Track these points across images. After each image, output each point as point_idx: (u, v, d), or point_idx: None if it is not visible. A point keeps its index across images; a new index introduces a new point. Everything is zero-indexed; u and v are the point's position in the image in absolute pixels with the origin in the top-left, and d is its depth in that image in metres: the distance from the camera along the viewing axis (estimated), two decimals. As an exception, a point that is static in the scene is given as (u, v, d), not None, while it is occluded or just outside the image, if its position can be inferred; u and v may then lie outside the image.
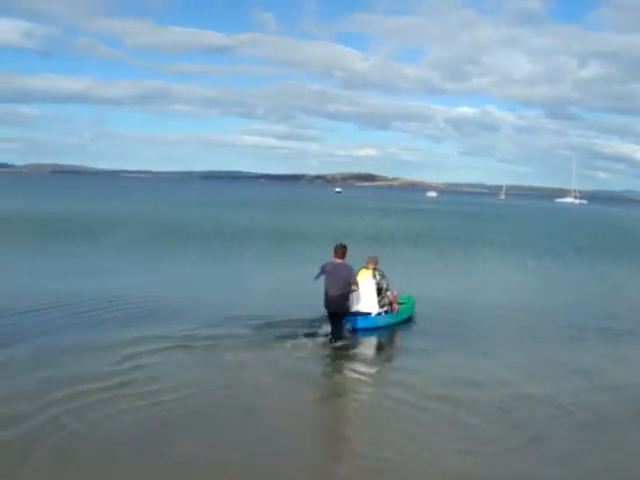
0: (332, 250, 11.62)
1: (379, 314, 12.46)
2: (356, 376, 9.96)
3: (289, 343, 10.90)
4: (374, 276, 12.49)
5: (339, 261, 11.44)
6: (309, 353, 10.57)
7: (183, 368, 9.54)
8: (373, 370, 10.43)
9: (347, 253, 11.57)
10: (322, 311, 11.57)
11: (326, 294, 11.29)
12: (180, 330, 11.45)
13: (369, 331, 12.14)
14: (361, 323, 12.14)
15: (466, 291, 17.81)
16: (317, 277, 11.52)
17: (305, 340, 11.16)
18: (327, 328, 11.47)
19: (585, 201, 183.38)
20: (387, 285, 12.58)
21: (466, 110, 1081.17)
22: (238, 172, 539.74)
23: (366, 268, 12.59)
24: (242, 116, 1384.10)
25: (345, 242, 11.92)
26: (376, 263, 12.75)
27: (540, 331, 13.12)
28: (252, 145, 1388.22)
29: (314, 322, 12.05)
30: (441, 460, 6.89)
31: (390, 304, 12.61)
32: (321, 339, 11.25)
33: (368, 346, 11.72)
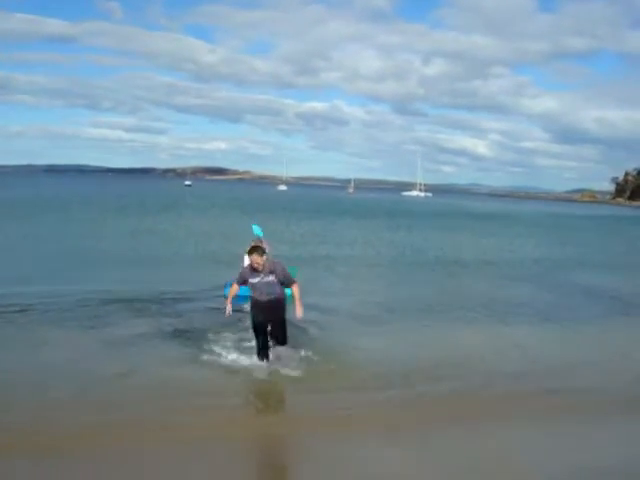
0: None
1: None
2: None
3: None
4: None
5: None
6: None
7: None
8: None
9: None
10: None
11: None
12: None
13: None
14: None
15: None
16: None
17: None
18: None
19: (430, 194, 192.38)
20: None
21: (316, 105, 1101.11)
22: (85, 165, 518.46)
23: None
24: (89, 108, 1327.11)
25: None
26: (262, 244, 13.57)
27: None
28: (99, 138, 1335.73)
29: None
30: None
31: None
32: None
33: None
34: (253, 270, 9.23)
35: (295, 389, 8.70)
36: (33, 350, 9.80)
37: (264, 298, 9.29)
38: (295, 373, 9.14)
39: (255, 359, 9.45)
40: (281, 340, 9.58)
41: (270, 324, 9.44)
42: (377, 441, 7.31)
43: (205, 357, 9.69)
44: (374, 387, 8.89)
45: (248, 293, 13.15)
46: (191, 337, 10.79)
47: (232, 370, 9.20)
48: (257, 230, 15.08)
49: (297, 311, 9.34)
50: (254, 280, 9.25)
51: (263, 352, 9.45)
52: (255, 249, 9.24)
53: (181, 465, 6.41)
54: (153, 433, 7.07)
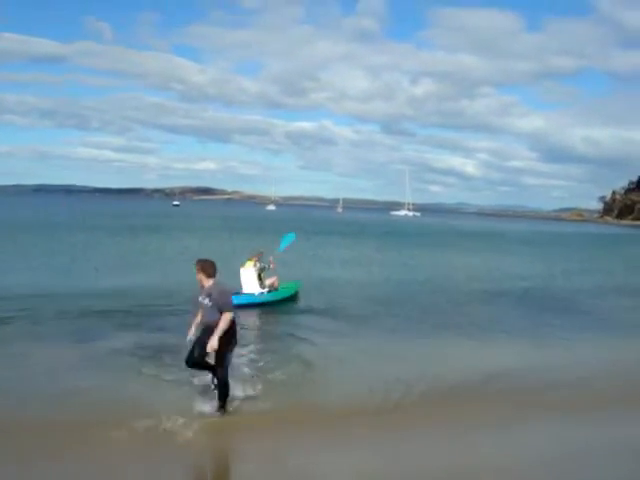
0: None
1: (261, 293, 16.20)
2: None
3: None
4: (254, 265, 16.37)
5: None
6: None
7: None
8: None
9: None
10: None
11: None
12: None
13: (253, 307, 15.43)
14: (246, 300, 15.34)
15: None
16: None
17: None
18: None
19: (418, 213, 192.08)
20: (263, 273, 16.64)
21: (305, 125, 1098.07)
22: (72, 186, 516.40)
23: (250, 259, 16.55)
24: (78, 128, 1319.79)
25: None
26: (258, 255, 16.76)
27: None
28: (88, 158, 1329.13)
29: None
30: None
31: (271, 285, 16.69)
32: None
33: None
34: (201, 287, 8.48)
35: (260, 411, 8.51)
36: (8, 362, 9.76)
37: (202, 319, 8.51)
38: (263, 393, 9.06)
39: (230, 382, 8.56)
40: (215, 370, 8.43)
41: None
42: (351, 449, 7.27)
43: (176, 376, 9.42)
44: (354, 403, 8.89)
45: (248, 301, 14.76)
46: (168, 355, 10.64)
47: (201, 392, 8.85)
48: None
49: (210, 340, 8.14)
50: (199, 297, 8.47)
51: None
52: (198, 261, 8.45)
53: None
54: (122, 450, 6.97)
